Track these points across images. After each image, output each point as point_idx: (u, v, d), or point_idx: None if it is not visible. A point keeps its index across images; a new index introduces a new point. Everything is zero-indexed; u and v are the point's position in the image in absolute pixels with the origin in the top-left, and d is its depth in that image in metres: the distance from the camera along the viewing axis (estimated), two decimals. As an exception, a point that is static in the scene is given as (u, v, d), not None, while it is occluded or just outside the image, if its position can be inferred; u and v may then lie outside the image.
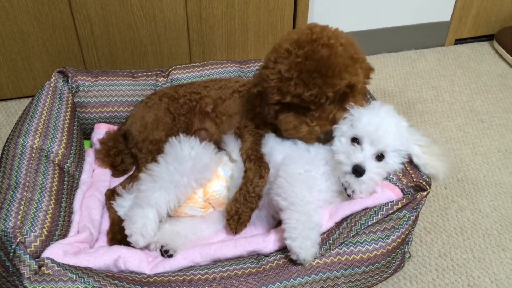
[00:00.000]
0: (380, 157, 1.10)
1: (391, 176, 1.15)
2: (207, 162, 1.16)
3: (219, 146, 1.30)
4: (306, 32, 1.11)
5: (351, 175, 1.08)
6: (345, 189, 1.09)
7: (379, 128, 1.08)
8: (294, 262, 1.01)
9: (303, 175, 1.09)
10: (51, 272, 0.93)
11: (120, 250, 1.07)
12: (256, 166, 1.16)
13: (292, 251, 1.00)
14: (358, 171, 1.06)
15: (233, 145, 1.23)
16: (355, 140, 1.10)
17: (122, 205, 1.20)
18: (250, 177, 1.15)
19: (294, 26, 1.93)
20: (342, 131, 1.12)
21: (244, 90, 1.37)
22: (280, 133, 1.22)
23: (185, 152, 1.14)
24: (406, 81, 2.04)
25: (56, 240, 1.05)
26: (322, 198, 1.12)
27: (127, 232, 1.10)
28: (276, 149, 1.19)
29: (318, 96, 1.08)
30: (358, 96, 1.16)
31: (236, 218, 1.15)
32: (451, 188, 1.57)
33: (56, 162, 1.20)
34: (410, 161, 1.15)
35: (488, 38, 2.30)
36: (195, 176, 1.14)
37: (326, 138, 1.15)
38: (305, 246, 0.99)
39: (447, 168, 1.12)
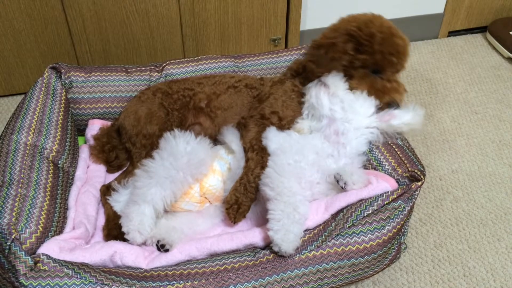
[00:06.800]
0: None
1: (386, 167, 1.15)
2: (203, 157, 1.16)
3: (214, 140, 1.30)
4: (364, 15, 1.27)
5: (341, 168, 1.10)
6: (337, 181, 1.10)
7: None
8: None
9: (292, 165, 1.10)
10: (47, 268, 0.92)
11: (116, 246, 1.06)
12: (258, 156, 1.16)
13: (274, 242, 1.01)
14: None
15: (232, 136, 1.23)
16: None
17: (118, 200, 1.20)
18: (252, 167, 1.15)
19: (287, 20, 1.92)
20: None
21: (240, 85, 1.36)
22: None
23: (180, 147, 1.14)
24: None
25: (52, 237, 1.05)
26: (317, 190, 1.13)
27: (124, 229, 1.09)
28: (271, 140, 1.19)
29: (402, 63, 1.26)
30: None
31: (235, 207, 1.14)
32: (446, 179, 1.58)
33: (50, 158, 1.20)
34: (403, 149, 1.16)
35: (481, 30, 2.30)
36: (191, 171, 1.13)
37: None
38: (287, 239, 1.00)
39: (418, 116, 1.18)
